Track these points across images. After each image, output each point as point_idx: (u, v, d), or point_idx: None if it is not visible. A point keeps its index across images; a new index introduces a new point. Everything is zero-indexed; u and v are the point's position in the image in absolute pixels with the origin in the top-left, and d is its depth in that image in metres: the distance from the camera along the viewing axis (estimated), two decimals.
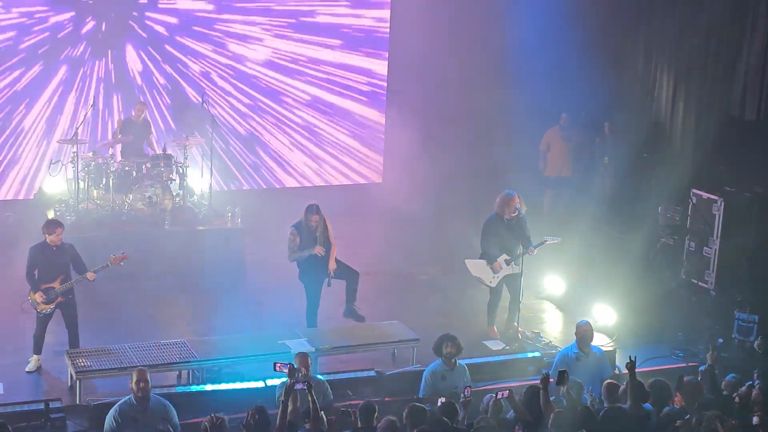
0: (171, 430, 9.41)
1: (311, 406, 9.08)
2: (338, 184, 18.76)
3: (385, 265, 15.29)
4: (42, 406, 10.14)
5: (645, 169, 15.90)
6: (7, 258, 14.04)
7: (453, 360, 10.77)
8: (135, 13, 17.30)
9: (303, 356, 10.24)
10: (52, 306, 11.58)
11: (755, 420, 9.27)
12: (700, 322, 13.43)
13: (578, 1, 16.67)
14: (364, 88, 18.79)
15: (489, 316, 13.27)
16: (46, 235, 11.61)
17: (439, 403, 9.54)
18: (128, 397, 9.55)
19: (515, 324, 13.19)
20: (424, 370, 10.92)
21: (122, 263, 12.00)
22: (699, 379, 10.23)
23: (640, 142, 16.00)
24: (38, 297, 11.54)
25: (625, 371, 10.12)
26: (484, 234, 13.01)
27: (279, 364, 9.43)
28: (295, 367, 9.72)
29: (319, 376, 10.52)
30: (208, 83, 17.71)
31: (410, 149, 17.46)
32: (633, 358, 9.91)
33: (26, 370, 11.69)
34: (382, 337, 12.22)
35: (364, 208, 17.13)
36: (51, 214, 15.15)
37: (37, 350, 11.79)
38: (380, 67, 18.77)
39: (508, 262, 12.93)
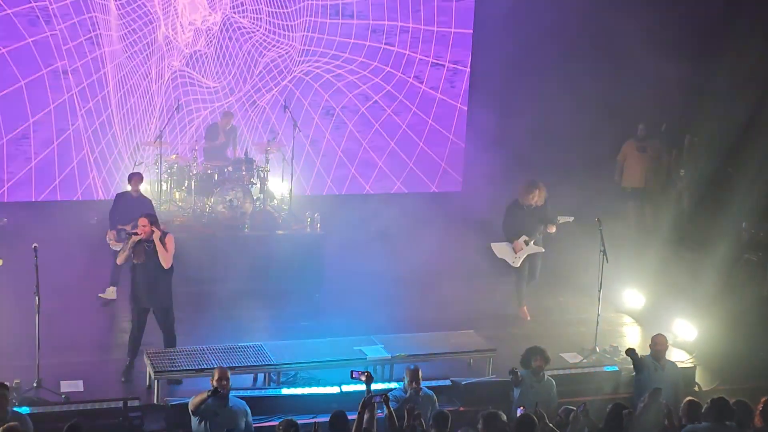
0: None
1: (389, 418, 9.13)
2: (419, 192, 18.74)
3: (462, 274, 15.25)
4: (120, 404, 10.26)
5: (728, 184, 15.66)
6: (92, 257, 14.28)
7: (541, 373, 10.74)
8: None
9: (414, 371, 10.18)
10: (119, 245, 12.53)
11: None
12: None
13: (659, 17, 16.43)
14: (447, 98, 18.77)
15: (516, 297, 14.03)
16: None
17: (518, 413, 9.47)
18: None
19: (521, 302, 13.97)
20: (499, 380, 10.90)
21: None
22: None
23: (723, 157, 15.77)
24: (111, 235, 13.23)
25: (706, 388, 9.95)
26: (505, 217, 13.93)
27: (356, 373, 9.47)
28: (408, 379, 10.08)
29: (428, 391, 10.38)
30: (292, 87, 17.78)
31: (491, 158, 17.39)
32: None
33: (100, 295, 13.39)
34: (458, 347, 12.20)
35: (443, 216, 17.07)
36: None
37: (114, 282, 13.44)
38: (463, 77, 18.74)
39: (527, 242, 13.74)
